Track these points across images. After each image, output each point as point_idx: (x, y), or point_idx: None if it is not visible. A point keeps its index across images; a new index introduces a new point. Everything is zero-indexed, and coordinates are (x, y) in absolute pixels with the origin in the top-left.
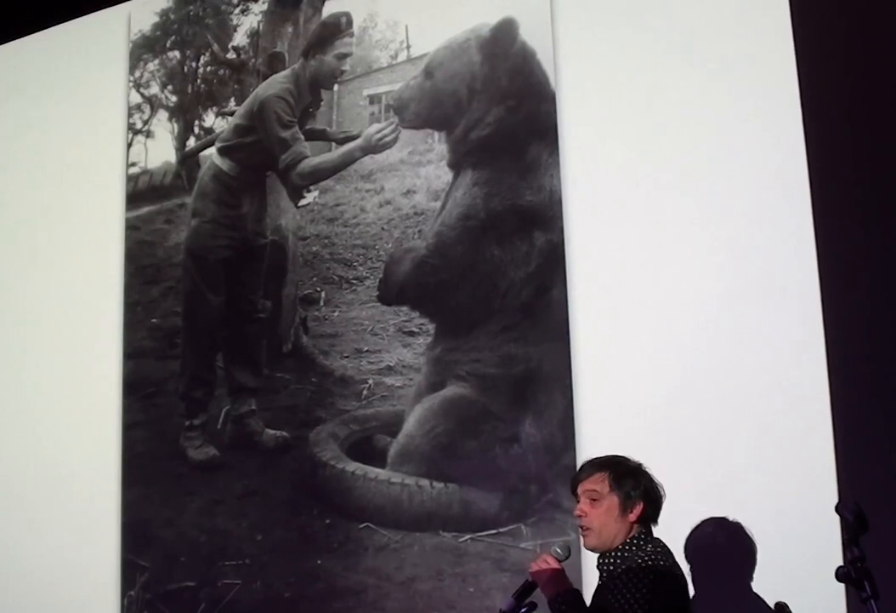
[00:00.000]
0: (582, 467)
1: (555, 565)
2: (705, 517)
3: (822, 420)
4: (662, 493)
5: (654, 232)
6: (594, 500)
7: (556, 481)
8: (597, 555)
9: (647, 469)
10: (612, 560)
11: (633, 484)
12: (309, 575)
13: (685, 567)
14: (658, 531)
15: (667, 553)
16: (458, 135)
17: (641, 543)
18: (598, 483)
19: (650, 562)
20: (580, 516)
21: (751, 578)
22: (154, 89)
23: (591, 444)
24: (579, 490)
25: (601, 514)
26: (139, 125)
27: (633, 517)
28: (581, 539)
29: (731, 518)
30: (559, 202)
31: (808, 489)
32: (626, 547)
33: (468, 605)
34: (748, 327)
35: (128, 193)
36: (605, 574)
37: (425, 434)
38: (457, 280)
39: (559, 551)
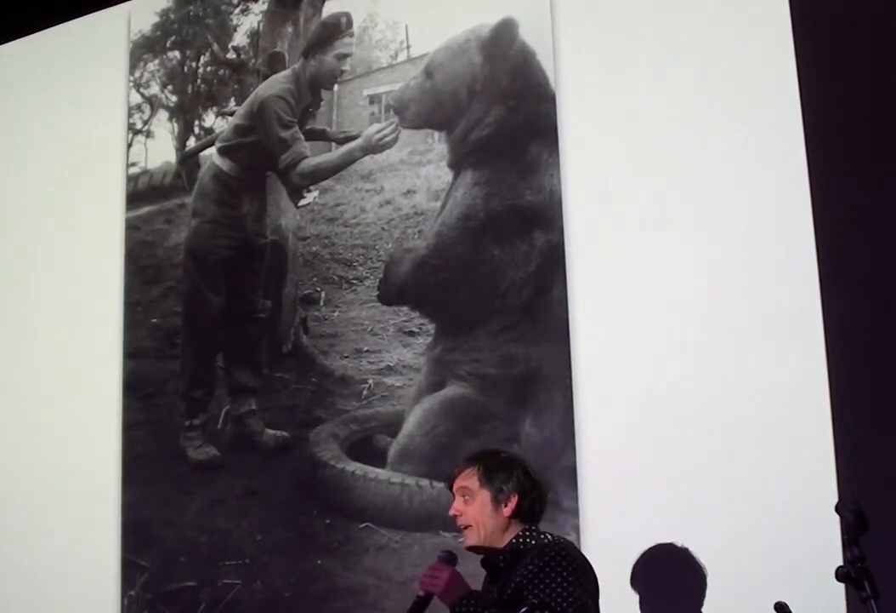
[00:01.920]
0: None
1: (448, 569)
2: (705, 517)
3: (822, 420)
4: (542, 487)
5: (654, 232)
6: (466, 497)
7: (556, 481)
8: (479, 557)
9: (522, 461)
10: (502, 557)
11: (504, 477)
12: (309, 575)
13: (634, 596)
14: (658, 531)
15: (569, 543)
16: (458, 135)
17: (534, 534)
18: (469, 479)
19: (552, 539)
20: (455, 515)
21: (701, 605)
22: (154, 89)
23: (591, 444)
24: (454, 488)
25: (475, 511)
26: (139, 125)
27: (507, 511)
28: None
29: (678, 545)
30: (559, 202)
31: (808, 489)
32: (517, 541)
33: None
34: (748, 326)
35: (128, 193)
36: (493, 572)
37: (425, 434)
38: (457, 280)
39: (442, 555)
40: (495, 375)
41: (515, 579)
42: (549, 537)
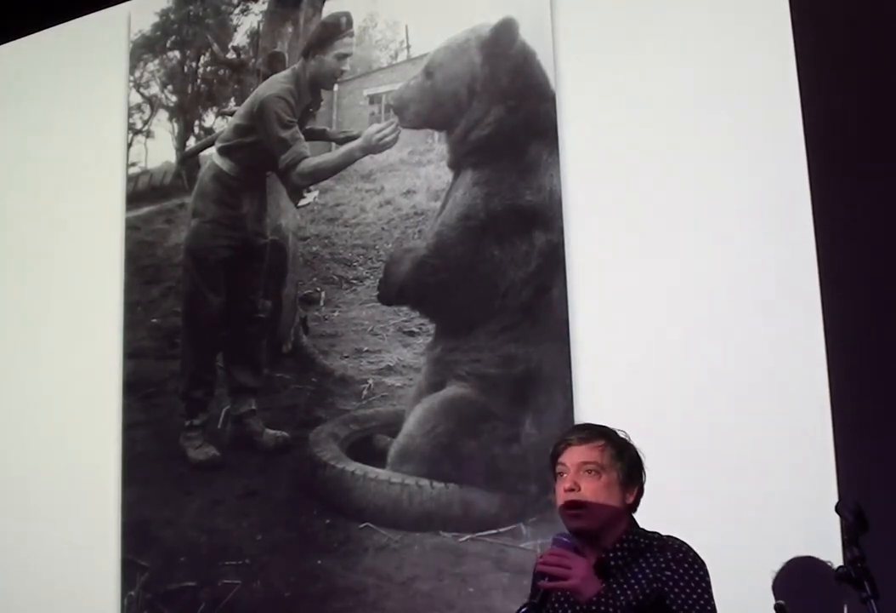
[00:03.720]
0: (569, 431)
1: (580, 559)
2: (705, 517)
3: (822, 420)
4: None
5: (654, 232)
6: (591, 472)
7: None
8: (584, 543)
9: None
10: (620, 554)
11: (635, 462)
12: (309, 575)
13: None
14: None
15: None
16: (458, 135)
17: (644, 531)
18: (598, 453)
19: (673, 540)
20: (571, 489)
21: None
22: (154, 89)
23: None
24: (567, 460)
25: (599, 490)
26: (139, 125)
27: (630, 498)
28: (569, 520)
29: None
30: (559, 202)
31: (808, 489)
32: (632, 537)
33: (468, 605)
34: (748, 326)
35: (128, 193)
36: (614, 571)
37: (425, 434)
38: (457, 280)
39: (566, 540)
40: (495, 375)
41: (641, 580)
42: (666, 536)
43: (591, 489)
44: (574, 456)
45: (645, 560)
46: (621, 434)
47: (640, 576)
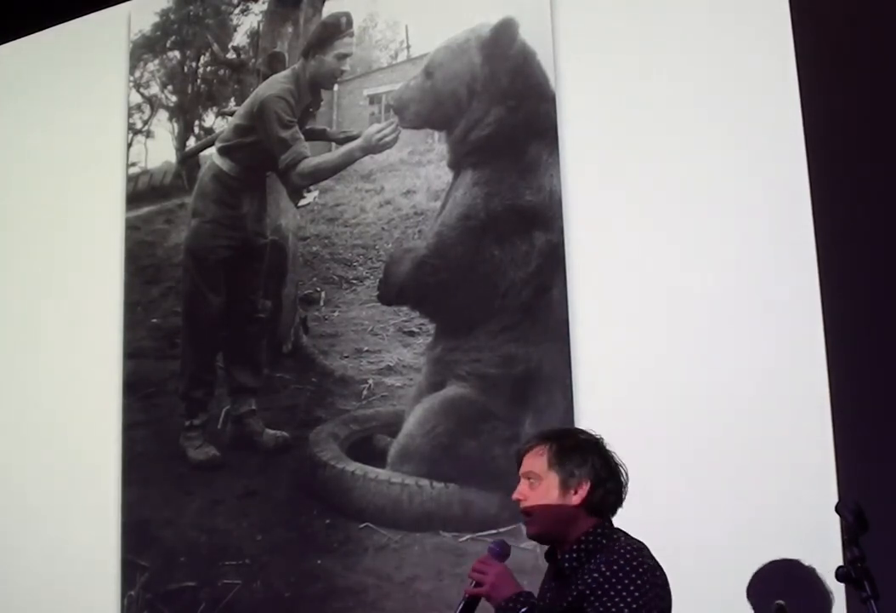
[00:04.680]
0: (526, 440)
1: (497, 566)
2: (705, 517)
3: (822, 420)
4: (620, 478)
5: (654, 232)
6: (532, 480)
7: None
8: (544, 548)
9: (605, 446)
10: (574, 555)
11: (579, 461)
12: (309, 575)
13: None
14: (657, 532)
15: (645, 547)
16: (458, 135)
17: (606, 532)
18: (536, 460)
19: (626, 541)
20: (518, 499)
21: None
22: (154, 89)
23: None
24: (519, 470)
25: (540, 496)
26: (139, 125)
27: (576, 499)
28: (525, 528)
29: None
30: (559, 202)
31: (808, 489)
32: (588, 539)
33: None
34: (748, 326)
35: (128, 193)
36: (567, 572)
37: (425, 434)
38: (457, 280)
39: (494, 548)
40: (495, 375)
41: (579, 586)
42: (623, 537)
43: (534, 497)
44: (522, 466)
45: (595, 561)
46: (583, 433)
47: (578, 577)
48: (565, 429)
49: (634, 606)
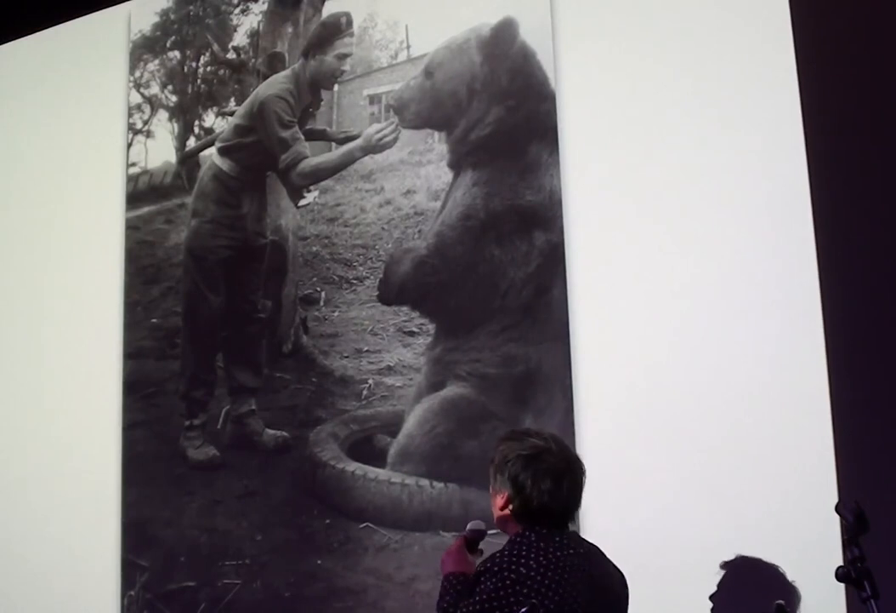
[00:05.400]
0: None
1: (456, 543)
2: (705, 517)
3: (822, 420)
4: (546, 485)
5: (654, 232)
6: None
7: None
8: None
9: (534, 447)
10: (479, 565)
11: (502, 471)
12: (309, 575)
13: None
14: (657, 531)
15: (524, 555)
16: (458, 135)
17: (516, 539)
18: (490, 467)
19: (509, 550)
20: None
21: None
22: (154, 89)
23: (590, 444)
24: None
25: (494, 507)
26: (139, 125)
27: (504, 508)
28: None
29: None
30: (559, 202)
31: (808, 489)
32: (505, 545)
33: None
34: (748, 326)
35: (128, 193)
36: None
37: (425, 434)
38: (457, 280)
39: (468, 528)
40: (495, 375)
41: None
42: (516, 546)
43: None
44: None
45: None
46: (524, 439)
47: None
48: (516, 432)
49: (471, 608)
